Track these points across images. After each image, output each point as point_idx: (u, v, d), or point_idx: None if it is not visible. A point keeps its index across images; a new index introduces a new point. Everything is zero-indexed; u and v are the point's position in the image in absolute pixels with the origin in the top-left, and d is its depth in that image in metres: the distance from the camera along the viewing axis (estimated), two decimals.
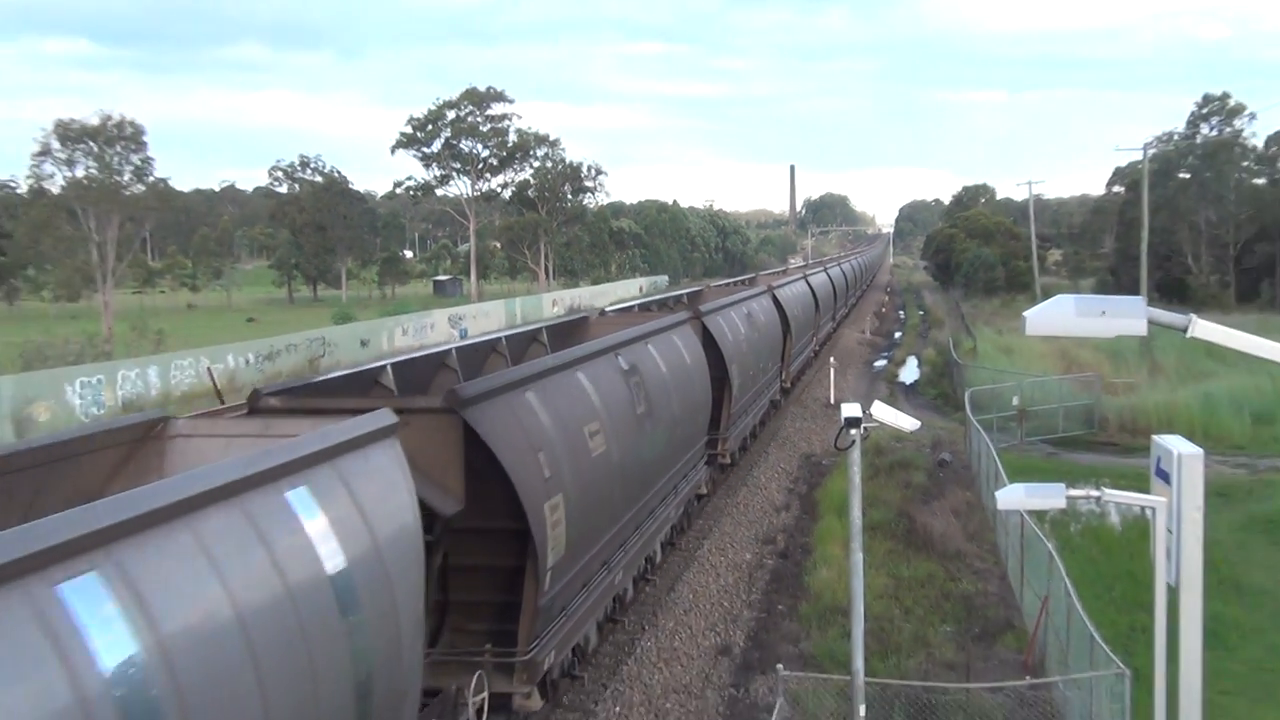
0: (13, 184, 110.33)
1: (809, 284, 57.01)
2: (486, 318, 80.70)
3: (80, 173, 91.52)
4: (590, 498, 15.75)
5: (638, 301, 36.21)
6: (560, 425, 15.01)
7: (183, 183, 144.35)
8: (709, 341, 27.62)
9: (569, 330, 24.81)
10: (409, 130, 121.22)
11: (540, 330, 22.99)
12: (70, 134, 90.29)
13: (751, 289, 42.02)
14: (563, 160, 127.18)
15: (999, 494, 12.64)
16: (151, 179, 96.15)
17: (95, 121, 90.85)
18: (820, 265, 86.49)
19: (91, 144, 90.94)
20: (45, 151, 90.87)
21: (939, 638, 19.67)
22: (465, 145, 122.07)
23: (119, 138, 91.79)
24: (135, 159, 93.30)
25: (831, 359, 56.25)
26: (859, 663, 12.18)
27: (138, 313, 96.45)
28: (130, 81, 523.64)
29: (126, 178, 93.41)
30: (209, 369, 51.16)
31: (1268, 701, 17.04)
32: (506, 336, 21.15)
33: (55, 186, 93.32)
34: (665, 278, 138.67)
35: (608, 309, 29.82)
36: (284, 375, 46.81)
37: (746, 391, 31.84)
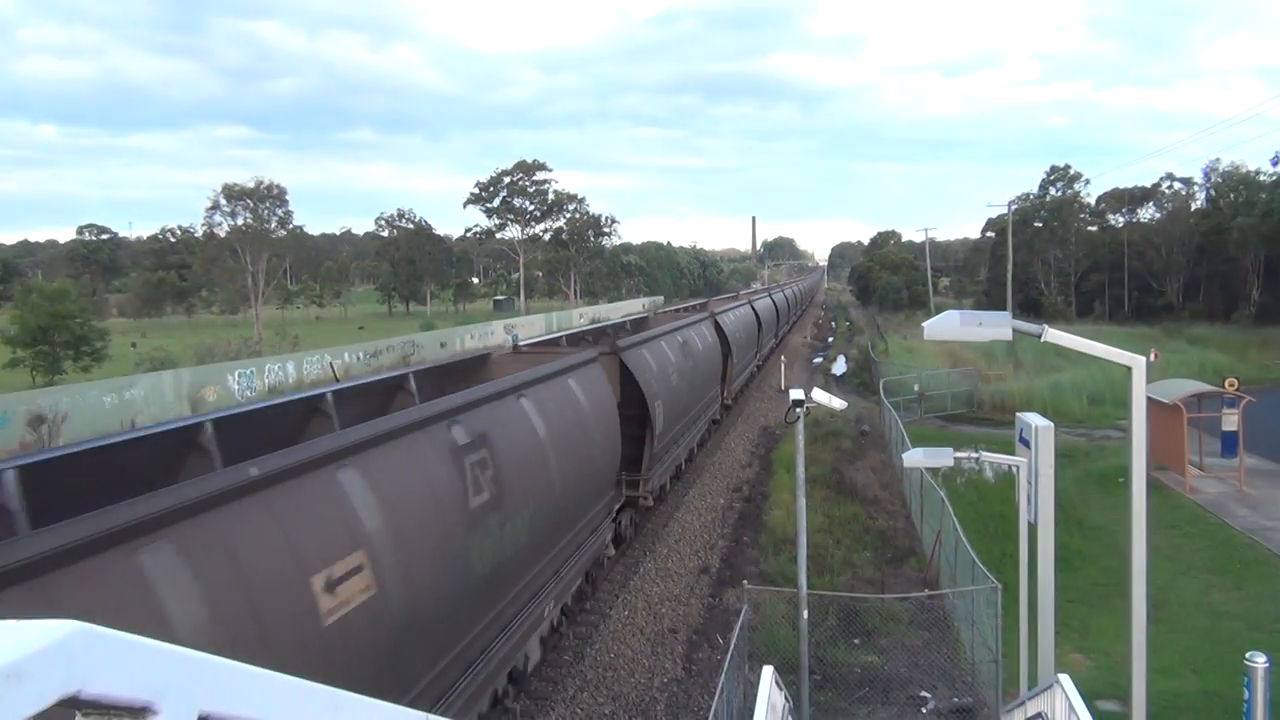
0: (192, 230, 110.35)
1: (753, 308, 47.63)
2: (532, 326, 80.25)
3: (240, 222, 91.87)
4: None
5: (567, 333, 25.26)
6: (238, 596, 5.96)
7: (313, 228, 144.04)
8: (629, 379, 18.85)
9: (462, 372, 15.42)
10: (476, 191, 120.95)
11: (407, 377, 13.33)
12: (233, 194, 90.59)
13: (694, 315, 32.11)
14: (587, 213, 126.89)
15: (904, 455, 12.52)
16: (291, 226, 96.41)
17: (251, 185, 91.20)
18: (766, 291, 72.61)
19: (248, 201, 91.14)
20: (215, 206, 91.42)
21: (861, 561, 19.57)
22: (517, 202, 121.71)
23: (268, 196, 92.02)
24: (279, 212, 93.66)
25: (782, 357, 56.12)
26: (803, 579, 12.06)
27: (280, 323, 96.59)
28: (278, 156, 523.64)
29: (273, 225, 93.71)
30: (330, 363, 51.06)
31: (1102, 608, 16.93)
32: (334, 392, 11.30)
33: (222, 232, 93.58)
34: (661, 298, 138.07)
35: (523, 343, 19.30)
36: (385, 367, 46.64)
37: (676, 423, 22.93)
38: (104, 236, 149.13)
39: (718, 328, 33.34)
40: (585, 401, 15.01)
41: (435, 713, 7.67)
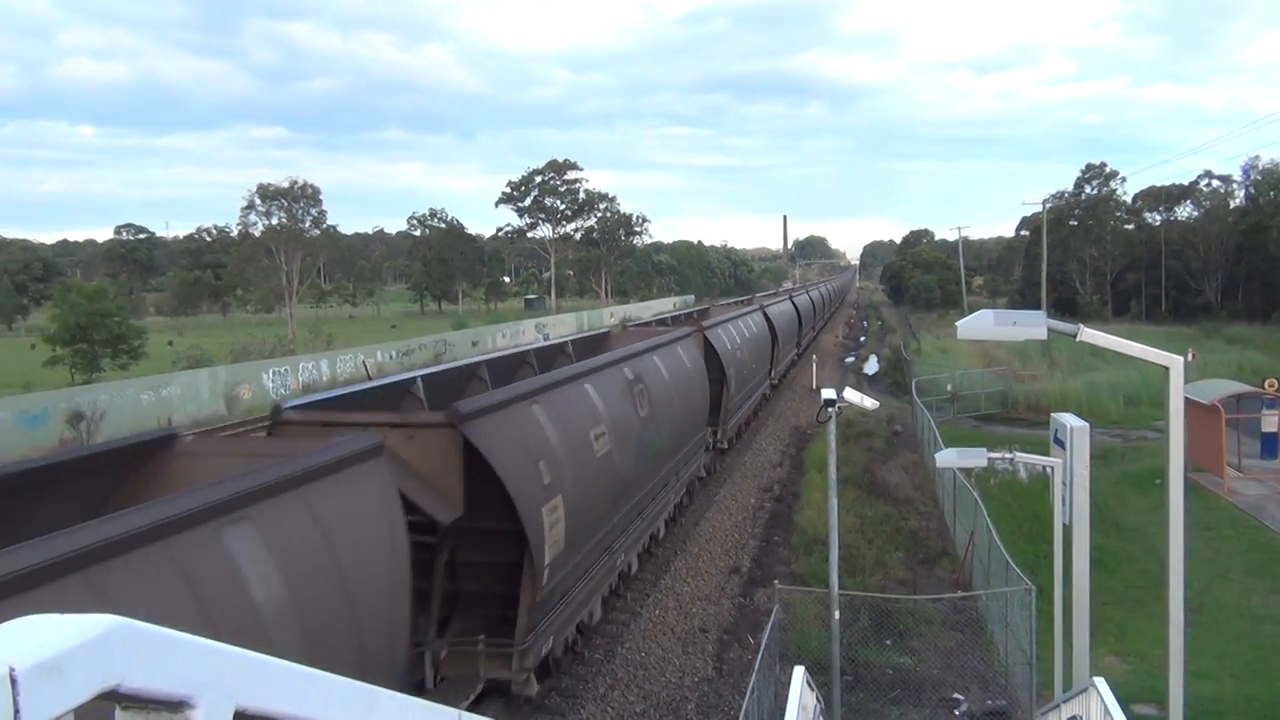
0: (228, 229, 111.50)
1: (765, 316, 38.58)
2: (563, 325, 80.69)
3: (275, 221, 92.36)
4: None
5: (383, 382, 14.38)
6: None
7: (346, 228, 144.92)
8: (481, 470, 10.30)
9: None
10: (508, 190, 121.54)
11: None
12: (268, 194, 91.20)
13: (666, 334, 22.57)
14: (618, 212, 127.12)
15: (937, 456, 12.45)
16: (325, 226, 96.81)
17: (286, 185, 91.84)
18: (787, 294, 63.37)
19: (283, 201, 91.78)
20: (250, 206, 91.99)
21: (893, 562, 19.45)
22: (548, 201, 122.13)
23: (302, 196, 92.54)
24: (313, 211, 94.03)
25: (814, 356, 55.87)
26: (834, 579, 12.01)
27: (314, 321, 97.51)
28: (311, 156, 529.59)
29: (307, 225, 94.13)
30: (363, 361, 51.48)
31: (1138, 611, 16.74)
32: None
33: (257, 231, 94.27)
34: (692, 297, 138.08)
35: (294, 403, 11.03)
36: (417, 365, 46.95)
37: (600, 527, 13.84)
38: (141, 236, 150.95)
39: (708, 347, 25.60)
40: (329, 544, 7.32)
41: None
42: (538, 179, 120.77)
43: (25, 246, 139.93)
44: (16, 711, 1.30)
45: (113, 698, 1.51)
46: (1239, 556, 20.42)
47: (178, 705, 1.61)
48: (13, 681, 1.30)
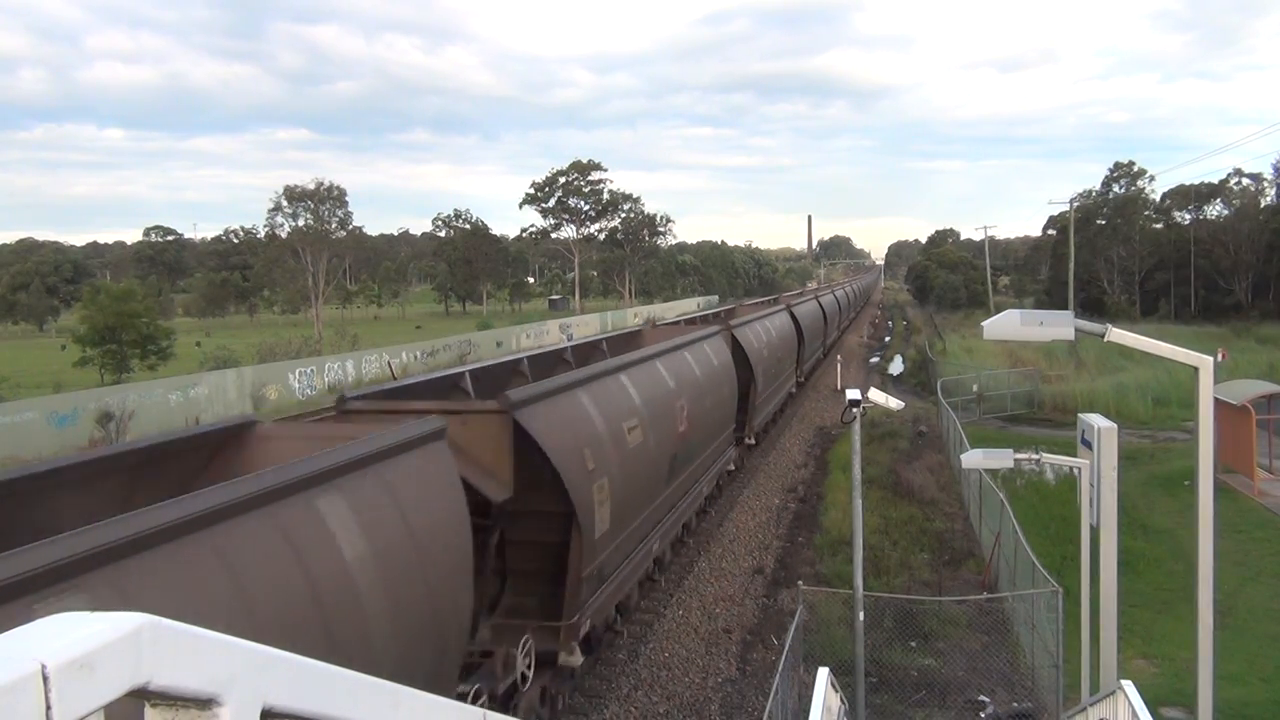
0: (254, 231, 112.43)
1: (735, 340, 25.16)
2: (586, 325, 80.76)
3: (301, 223, 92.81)
4: None
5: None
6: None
7: (372, 229, 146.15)
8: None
9: None
10: (532, 191, 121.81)
11: None
12: (294, 195, 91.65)
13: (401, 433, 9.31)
14: (642, 212, 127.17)
15: (963, 456, 12.38)
16: (350, 227, 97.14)
17: (312, 187, 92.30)
18: (786, 303, 41.87)
19: (309, 202, 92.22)
20: (277, 208, 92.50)
21: (918, 563, 19.35)
22: (572, 202, 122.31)
23: (328, 198, 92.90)
24: (339, 213, 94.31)
25: (839, 356, 55.63)
26: (859, 580, 11.96)
27: (339, 322, 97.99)
28: (337, 158, 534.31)
29: (333, 226, 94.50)
30: (389, 362, 51.74)
31: (1166, 613, 16.57)
32: None
33: (284, 233, 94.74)
34: (715, 297, 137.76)
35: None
36: (442, 366, 47.02)
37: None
38: (169, 238, 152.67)
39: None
40: None
41: None
42: (561, 180, 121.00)
43: (56, 248, 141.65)
44: (48, 708, 1.31)
45: (142, 695, 1.53)
46: (1269, 559, 20.17)
47: (206, 703, 1.63)
48: (45, 679, 1.31)
